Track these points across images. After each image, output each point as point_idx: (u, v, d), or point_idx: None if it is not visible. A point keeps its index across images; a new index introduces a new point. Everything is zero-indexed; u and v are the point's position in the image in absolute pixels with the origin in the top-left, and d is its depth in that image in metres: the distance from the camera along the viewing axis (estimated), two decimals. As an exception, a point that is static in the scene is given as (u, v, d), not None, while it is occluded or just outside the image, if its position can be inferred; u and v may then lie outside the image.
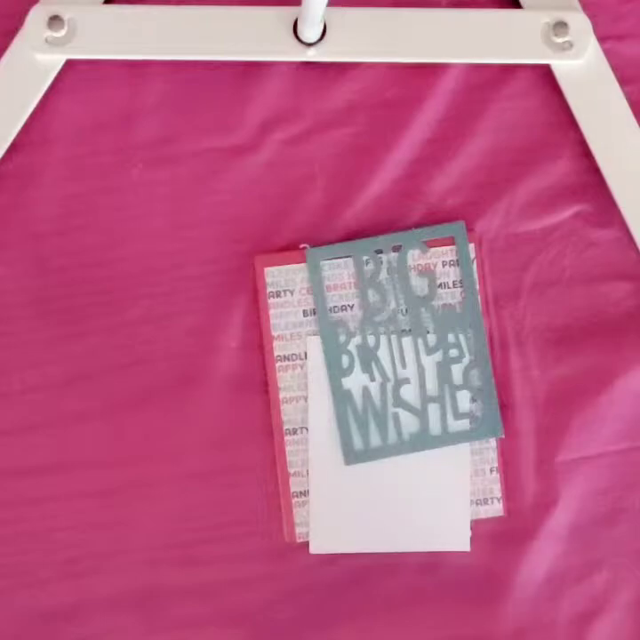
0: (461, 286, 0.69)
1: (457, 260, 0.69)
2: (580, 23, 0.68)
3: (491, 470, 0.68)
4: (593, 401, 0.69)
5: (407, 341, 0.68)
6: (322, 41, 0.67)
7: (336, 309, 0.69)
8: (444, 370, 0.68)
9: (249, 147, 0.70)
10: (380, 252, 0.69)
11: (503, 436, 0.68)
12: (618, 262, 0.70)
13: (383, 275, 0.69)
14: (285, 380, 0.68)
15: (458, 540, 0.68)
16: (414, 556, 0.68)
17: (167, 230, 0.69)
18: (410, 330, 0.68)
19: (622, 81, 0.69)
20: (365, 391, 0.68)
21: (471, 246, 0.69)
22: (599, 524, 0.69)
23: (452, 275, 0.69)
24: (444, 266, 0.69)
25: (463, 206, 0.70)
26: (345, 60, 0.69)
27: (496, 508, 0.68)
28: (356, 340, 0.68)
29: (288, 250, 0.69)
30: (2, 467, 0.68)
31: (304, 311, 0.69)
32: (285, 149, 0.70)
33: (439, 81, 0.70)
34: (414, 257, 0.69)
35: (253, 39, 0.67)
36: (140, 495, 0.68)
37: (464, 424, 0.68)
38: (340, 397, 0.68)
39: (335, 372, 0.68)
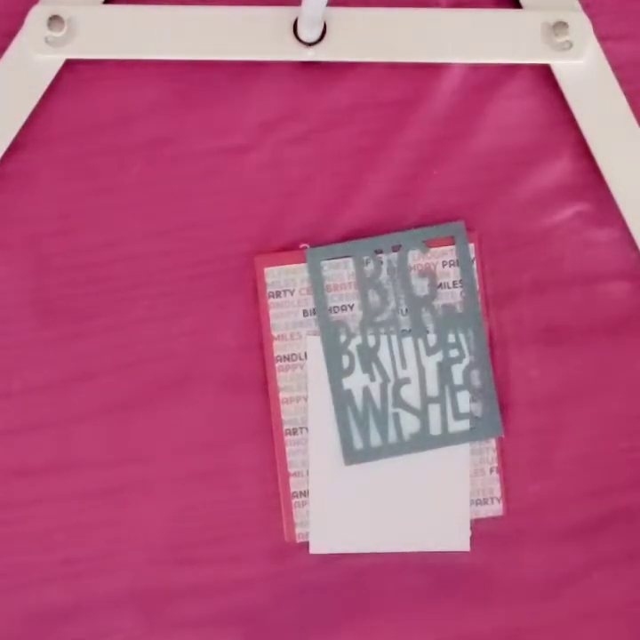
0: (461, 286, 0.69)
1: (457, 260, 0.69)
2: (580, 23, 0.68)
3: (491, 470, 0.68)
4: (593, 401, 0.69)
5: (407, 342, 0.68)
6: (322, 41, 0.67)
7: (336, 309, 0.69)
8: (444, 370, 0.68)
9: (249, 147, 0.70)
10: (380, 252, 0.69)
11: (503, 436, 0.68)
12: (618, 262, 0.70)
13: (383, 275, 0.69)
14: (285, 379, 0.68)
15: (458, 539, 0.68)
16: (414, 556, 0.68)
17: (167, 230, 0.69)
18: (410, 330, 0.68)
19: (622, 81, 0.69)
20: (366, 391, 0.68)
21: (471, 246, 0.69)
22: (599, 524, 0.69)
23: (452, 275, 0.69)
24: (444, 266, 0.69)
25: (463, 206, 0.70)
26: (345, 60, 0.69)
27: (496, 508, 0.68)
28: (357, 340, 0.68)
29: (288, 250, 0.69)
30: (2, 467, 0.68)
31: (304, 311, 0.69)
32: (285, 149, 0.70)
33: (439, 81, 0.70)
34: (414, 257, 0.69)
35: (253, 39, 0.67)
36: (140, 495, 0.68)
37: (464, 424, 0.68)
38: (340, 397, 0.68)
39: (335, 372, 0.68)
